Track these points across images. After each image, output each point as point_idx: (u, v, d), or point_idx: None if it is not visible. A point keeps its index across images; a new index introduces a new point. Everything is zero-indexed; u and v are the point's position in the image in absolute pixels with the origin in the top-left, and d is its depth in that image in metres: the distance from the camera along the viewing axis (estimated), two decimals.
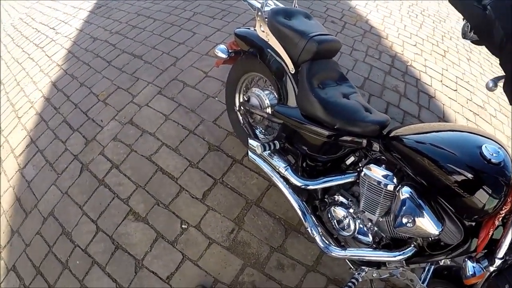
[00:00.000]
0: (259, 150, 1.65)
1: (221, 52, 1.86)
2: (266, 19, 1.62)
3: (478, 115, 3.19)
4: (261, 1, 1.77)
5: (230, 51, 1.89)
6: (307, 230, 1.52)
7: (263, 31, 1.62)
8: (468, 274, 1.04)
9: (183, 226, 1.86)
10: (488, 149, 1.03)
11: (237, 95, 2.13)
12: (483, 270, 1.03)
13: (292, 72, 1.60)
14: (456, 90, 3.39)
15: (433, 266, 1.37)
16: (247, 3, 1.85)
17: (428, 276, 1.36)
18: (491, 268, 1.03)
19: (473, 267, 1.05)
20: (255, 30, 1.72)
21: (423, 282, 1.34)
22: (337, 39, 1.61)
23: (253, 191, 2.02)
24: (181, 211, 1.92)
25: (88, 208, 2.03)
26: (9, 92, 3.28)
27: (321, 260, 1.79)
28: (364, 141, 1.35)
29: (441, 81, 3.42)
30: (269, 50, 1.68)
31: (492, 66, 4.26)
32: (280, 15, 1.64)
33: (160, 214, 1.92)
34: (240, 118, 2.08)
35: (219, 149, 2.24)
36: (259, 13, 1.59)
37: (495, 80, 0.98)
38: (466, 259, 1.07)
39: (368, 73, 3.15)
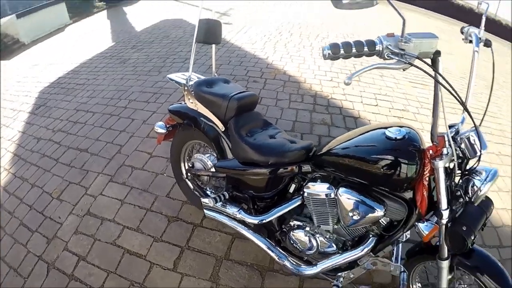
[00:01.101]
0: (211, 203, 1.88)
1: (160, 128, 2.16)
2: (192, 92, 1.94)
3: (402, 117, 3.75)
4: (185, 77, 2.12)
5: (167, 126, 2.19)
6: (276, 261, 1.72)
7: (192, 102, 1.95)
8: (422, 233, 1.29)
9: None
10: (390, 131, 1.32)
11: (182, 165, 2.38)
12: (434, 224, 1.27)
13: (223, 130, 1.89)
14: (377, 104, 3.98)
15: (400, 245, 1.58)
16: (174, 82, 2.20)
17: (399, 255, 1.58)
18: (443, 221, 1.24)
19: (425, 226, 1.29)
20: (185, 103, 2.04)
21: (396, 262, 1.56)
22: (253, 93, 1.97)
23: (219, 248, 2.19)
24: (157, 285, 2.00)
25: None
26: None
27: (304, 286, 1.96)
28: (296, 167, 1.61)
29: (362, 102, 4.01)
30: (201, 118, 1.98)
31: (403, 73, 4.95)
32: (203, 85, 1.98)
33: None
34: (190, 184, 2.32)
35: (178, 219, 2.41)
36: (186, 88, 1.94)
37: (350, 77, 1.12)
38: (417, 223, 1.32)
39: (295, 117, 3.64)
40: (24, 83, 5.78)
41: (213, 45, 2.28)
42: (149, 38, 7.27)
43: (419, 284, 1.73)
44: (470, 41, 1.26)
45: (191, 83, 2.06)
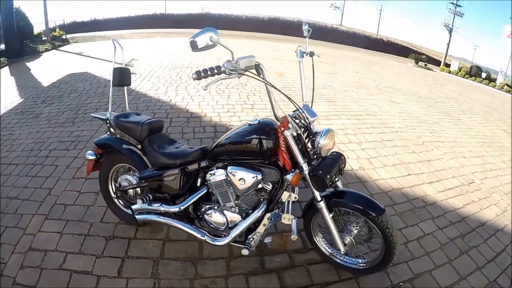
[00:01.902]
0: (139, 205, 2.44)
1: (90, 155, 2.69)
2: (113, 123, 2.57)
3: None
4: (105, 113, 2.70)
5: (96, 153, 2.70)
6: (199, 238, 2.29)
7: (113, 131, 2.58)
8: (289, 181, 1.94)
9: None
10: (250, 121, 2.07)
11: (110, 188, 2.85)
12: (295, 173, 1.94)
13: (140, 148, 2.51)
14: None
15: (290, 201, 2.14)
16: (97, 118, 2.77)
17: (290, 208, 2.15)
18: (305, 171, 1.95)
19: (290, 175, 1.96)
20: (108, 134, 2.64)
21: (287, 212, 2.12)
22: (159, 119, 2.65)
23: (154, 251, 2.62)
24: None
25: None
26: None
27: (230, 265, 2.49)
28: (197, 164, 2.27)
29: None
30: (122, 143, 2.58)
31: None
32: (121, 117, 2.60)
33: None
34: (120, 203, 2.81)
35: (114, 237, 2.78)
36: (108, 120, 2.58)
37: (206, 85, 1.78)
38: (285, 177, 2.00)
39: (200, 143, 4.30)
40: None
41: (125, 87, 2.90)
42: (57, 93, 7.49)
43: (321, 235, 2.43)
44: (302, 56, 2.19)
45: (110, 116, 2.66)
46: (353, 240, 2.22)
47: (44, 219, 3.05)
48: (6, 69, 11.58)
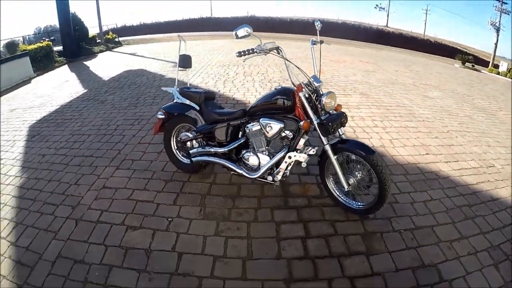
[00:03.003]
0: (196, 148, 3.29)
1: (160, 115, 3.53)
2: (179, 93, 3.43)
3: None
4: (172, 88, 3.59)
5: (164, 115, 3.52)
6: (237, 171, 3.02)
7: (178, 98, 3.39)
8: (301, 126, 2.64)
9: (169, 219, 2.98)
10: (275, 87, 2.88)
11: (172, 143, 3.68)
12: (306, 121, 2.66)
13: (198, 110, 3.33)
14: None
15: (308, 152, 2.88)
16: (166, 90, 3.69)
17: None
18: (315, 122, 2.66)
19: (302, 123, 2.65)
20: (174, 102, 3.48)
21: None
22: (213, 91, 3.69)
23: (203, 190, 3.38)
24: (164, 214, 3.05)
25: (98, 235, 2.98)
26: None
27: (261, 201, 3.17)
28: (240, 120, 3.07)
29: None
30: (184, 107, 3.42)
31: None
32: (185, 88, 3.46)
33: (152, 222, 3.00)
34: (179, 153, 3.66)
35: (172, 180, 3.57)
36: (176, 90, 3.45)
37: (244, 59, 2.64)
38: (299, 124, 2.69)
39: None
40: (8, 123, 6.62)
41: (188, 69, 3.81)
42: (118, 85, 8.54)
43: (331, 177, 3.05)
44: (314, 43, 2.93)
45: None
46: (355, 182, 2.80)
47: (115, 169, 3.90)
48: (65, 67, 13.03)
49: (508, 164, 4.61)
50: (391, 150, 4.46)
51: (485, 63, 28.56)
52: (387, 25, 48.60)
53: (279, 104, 2.79)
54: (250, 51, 2.56)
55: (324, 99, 2.62)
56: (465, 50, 36.42)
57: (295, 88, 2.71)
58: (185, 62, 3.66)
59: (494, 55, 28.68)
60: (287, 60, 2.74)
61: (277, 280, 2.36)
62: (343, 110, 2.80)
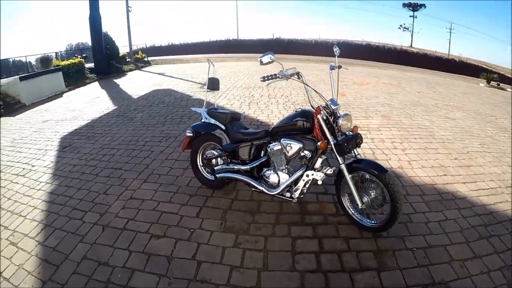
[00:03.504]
0: (220, 165, 3.51)
1: (188, 132, 3.74)
2: (207, 113, 3.66)
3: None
4: (201, 108, 3.82)
5: (192, 133, 3.75)
6: (257, 187, 3.21)
7: (206, 118, 3.63)
8: (318, 145, 2.82)
9: (191, 230, 3.19)
10: (296, 110, 3.11)
11: (198, 160, 3.89)
12: (323, 141, 2.81)
13: (224, 129, 3.53)
14: None
15: (326, 172, 3.02)
16: (194, 111, 3.95)
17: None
18: (332, 142, 2.81)
19: (319, 143, 2.80)
20: (202, 121, 3.71)
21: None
22: (238, 112, 3.77)
23: (225, 205, 3.58)
24: (187, 225, 3.25)
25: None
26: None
27: (279, 217, 3.33)
28: (263, 140, 3.26)
29: None
30: (211, 127, 3.64)
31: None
32: (213, 109, 3.69)
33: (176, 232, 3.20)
34: (204, 170, 3.86)
35: (196, 195, 3.79)
36: (204, 110, 3.68)
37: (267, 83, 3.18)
38: (317, 144, 2.87)
39: None
40: (41, 132, 7.08)
41: (215, 91, 3.92)
42: (147, 103, 8.93)
43: (347, 196, 3.17)
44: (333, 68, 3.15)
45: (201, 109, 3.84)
46: (369, 200, 2.93)
47: (143, 182, 4.16)
48: (95, 84, 13.71)
49: None
50: (409, 171, 4.52)
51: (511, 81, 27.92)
52: (411, 46, 48.38)
53: (299, 126, 2.99)
54: (273, 76, 2.79)
55: (341, 121, 2.80)
56: (491, 68, 35.72)
57: (314, 111, 2.90)
58: (213, 84, 3.91)
59: None
60: (307, 84, 2.95)
61: None
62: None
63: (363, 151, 5.11)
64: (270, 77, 2.79)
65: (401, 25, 51.36)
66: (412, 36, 49.96)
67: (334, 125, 2.86)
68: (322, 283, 2.56)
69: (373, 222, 3.04)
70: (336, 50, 3.24)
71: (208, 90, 3.95)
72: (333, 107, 2.87)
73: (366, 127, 6.38)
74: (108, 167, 4.72)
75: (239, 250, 2.92)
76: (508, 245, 3.06)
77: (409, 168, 4.60)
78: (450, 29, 46.64)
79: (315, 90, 2.94)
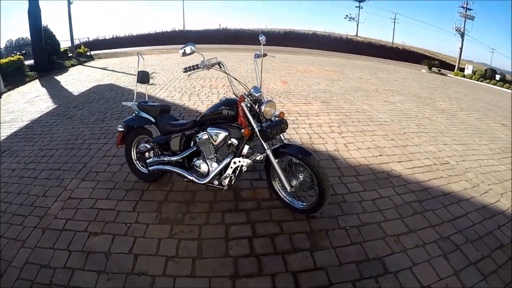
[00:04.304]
0: (152, 158, 3.55)
1: (120, 128, 3.76)
2: (137, 106, 3.67)
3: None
4: (131, 102, 3.80)
5: (124, 128, 3.77)
6: (187, 177, 3.27)
7: (137, 113, 3.65)
8: (242, 132, 2.92)
9: (127, 225, 3.19)
10: (220, 99, 3.22)
11: (132, 154, 3.92)
12: (246, 128, 2.91)
13: (154, 122, 3.54)
14: None
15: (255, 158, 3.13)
16: (125, 105, 3.91)
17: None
18: (256, 129, 2.91)
19: (243, 130, 2.90)
20: (133, 116, 3.72)
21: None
22: (168, 104, 3.78)
23: (160, 197, 3.61)
24: (124, 221, 3.25)
25: None
26: None
27: (213, 206, 3.41)
28: (191, 130, 3.32)
29: None
30: (142, 120, 3.66)
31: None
32: (142, 102, 3.70)
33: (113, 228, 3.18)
34: (138, 163, 3.89)
35: (133, 189, 3.80)
36: (134, 106, 3.69)
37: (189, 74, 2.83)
38: (241, 132, 2.94)
39: None
40: None
41: (145, 84, 3.99)
42: (87, 100, 8.68)
43: (277, 180, 3.27)
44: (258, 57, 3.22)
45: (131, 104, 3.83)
46: (297, 184, 3.06)
47: (81, 181, 4.09)
48: (37, 82, 13.07)
49: (463, 160, 4.90)
50: (345, 153, 4.73)
51: (452, 67, 29.70)
52: (357, 35, 49.95)
53: (224, 114, 3.06)
54: (196, 67, 2.81)
55: (263, 108, 2.89)
56: (433, 55, 37.89)
57: (238, 99, 2.97)
58: (143, 78, 3.89)
59: (460, 59, 30.01)
60: (228, 74, 3.02)
61: (223, 276, 2.57)
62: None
63: (300, 137, 5.31)
64: (192, 68, 2.81)
65: (347, 15, 52.65)
66: (357, 25, 51.57)
67: (259, 111, 2.95)
68: (255, 267, 2.66)
69: (304, 204, 3.19)
70: (262, 38, 3.32)
71: (138, 82, 3.91)
72: (256, 95, 2.97)
73: (305, 113, 6.60)
74: (47, 168, 4.57)
75: (174, 240, 2.96)
76: (443, 218, 3.27)
77: (345, 150, 4.84)
78: (394, 19, 48.60)
79: (236, 79, 3.02)
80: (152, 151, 3.70)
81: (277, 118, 3.04)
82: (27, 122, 7.19)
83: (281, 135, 3.04)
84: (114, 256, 2.83)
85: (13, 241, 3.17)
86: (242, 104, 2.93)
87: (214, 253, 2.81)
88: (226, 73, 3.02)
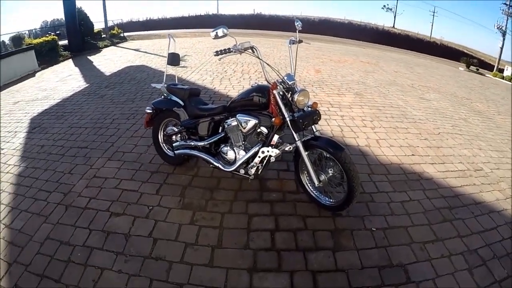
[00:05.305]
0: (179, 142, 3.47)
1: (148, 109, 3.72)
2: (166, 89, 3.59)
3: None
4: (161, 84, 3.72)
5: (152, 109, 3.72)
6: (214, 164, 3.19)
7: (166, 95, 3.59)
8: (274, 122, 2.80)
9: (149, 208, 3.18)
10: (252, 85, 3.06)
11: (159, 136, 3.87)
12: (276, 117, 2.79)
13: (183, 105, 3.47)
14: None
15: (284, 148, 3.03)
16: (154, 85, 3.84)
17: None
18: (287, 118, 2.77)
19: (274, 119, 2.79)
20: (162, 97, 3.68)
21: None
22: (197, 88, 3.66)
23: (185, 181, 3.58)
24: (146, 203, 3.25)
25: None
26: None
27: (237, 194, 3.34)
28: (220, 116, 3.22)
29: None
30: (171, 103, 3.60)
31: None
32: (172, 85, 3.62)
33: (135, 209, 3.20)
34: (165, 146, 3.83)
35: (158, 172, 3.78)
36: (164, 86, 3.62)
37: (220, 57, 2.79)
38: (272, 120, 2.84)
39: None
40: (11, 114, 6.86)
41: (176, 66, 3.95)
42: (118, 80, 8.77)
43: (306, 173, 3.14)
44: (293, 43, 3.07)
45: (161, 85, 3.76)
46: (326, 179, 2.93)
47: (107, 160, 4.11)
48: (70, 61, 13.36)
49: (498, 168, 4.58)
50: (376, 149, 4.52)
51: (491, 67, 28.25)
52: (393, 26, 48.27)
53: (255, 101, 2.94)
54: (227, 50, 2.70)
55: (296, 97, 2.75)
56: (471, 53, 35.94)
57: (270, 86, 2.84)
58: (173, 59, 3.82)
59: (499, 59, 28.26)
60: (261, 59, 2.87)
61: (241, 269, 2.51)
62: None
63: (331, 129, 5.13)
64: (223, 51, 2.71)
65: (384, 6, 50.93)
66: (395, 17, 49.75)
67: (291, 100, 2.82)
68: (275, 262, 2.57)
69: (331, 200, 3.05)
70: (298, 24, 3.14)
71: (168, 65, 3.84)
72: (290, 82, 2.82)
73: (337, 104, 6.39)
74: (75, 146, 4.63)
75: (195, 227, 2.92)
76: (472, 229, 3.07)
77: (377, 146, 4.61)
78: (434, 12, 46.64)
79: (270, 65, 2.87)
80: (179, 135, 3.64)
81: (309, 109, 2.89)
82: (59, 100, 7.34)
83: (312, 126, 2.90)
84: (134, 238, 2.82)
85: (36, 216, 3.23)
86: (274, 91, 2.79)
87: (234, 244, 2.74)
88: (259, 58, 2.87)
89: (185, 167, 3.86)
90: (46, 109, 6.76)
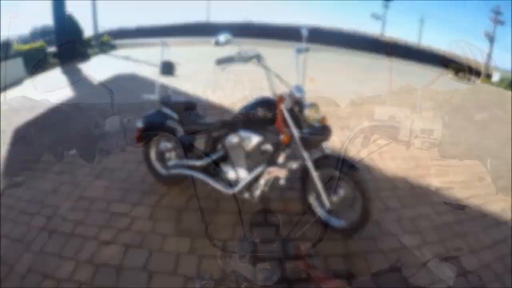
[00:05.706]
0: (174, 160, 3.21)
1: (139, 124, 3.35)
2: (160, 101, 3.35)
3: None
4: (152, 96, 3.57)
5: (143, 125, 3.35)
6: (215, 186, 2.89)
7: (160, 108, 3.35)
8: (280, 138, 2.51)
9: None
10: (256, 98, 2.77)
11: (151, 152, 3.49)
12: (286, 134, 2.49)
13: (178, 119, 3.14)
14: None
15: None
16: (147, 97, 3.65)
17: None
18: (296, 135, 2.48)
19: (282, 136, 2.51)
20: (154, 111, 3.42)
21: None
22: (193, 101, 3.36)
23: (179, 201, 3.27)
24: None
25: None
26: None
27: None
28: (219, 132, 2.92)
29: None
30: (165, 116, 3.27)
31: None
32: (166, 98, 3.39)
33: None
34: (157, 164, 3.48)
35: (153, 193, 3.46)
36: (156, 100, 3.39)
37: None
38: (279, 137, 2.55)
39: None
40: None
41: (169, 76, 3.59)
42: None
43: (314, 195, 2.85)
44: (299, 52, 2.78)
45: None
46: (338, 199, 2.66)
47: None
48: (58, 70, 12.91)
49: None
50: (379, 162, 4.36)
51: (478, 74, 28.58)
52: (383, 34, 48.76)
53: (259, 116, 2.65)
54: (230, 59, 2.44)
55: (306, 111, 2.51)
56: (455, 59, 36.46)
57: (277, 99, 2.58)
58: (167, 69, 3.53)
59: (486, 65, 28.81)
60: (268, 69, 2.60)
61: None
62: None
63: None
64: (226, 60, 2.45)
65: (373, 15, 51.47)
66: (383, 25, 50.27)
67: (299, 115, 2.56)
68: None
69: (342, 222, 2.80)
70: (304, 31, 2.89)
71: (160, 74, 3.57)
72: (298, 95, 2.56)
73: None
74: None
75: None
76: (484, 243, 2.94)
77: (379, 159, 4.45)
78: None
79: (278, 76, 2.62)
80: (173, 152, 3.32)
81: (319, 124, 2.62)
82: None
83: (322, 143, 2.64)
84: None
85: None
86: (282, 105, 2.53)
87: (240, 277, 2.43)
88: (265, 68, 2.60)
89: (179, 187, 3.52)
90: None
